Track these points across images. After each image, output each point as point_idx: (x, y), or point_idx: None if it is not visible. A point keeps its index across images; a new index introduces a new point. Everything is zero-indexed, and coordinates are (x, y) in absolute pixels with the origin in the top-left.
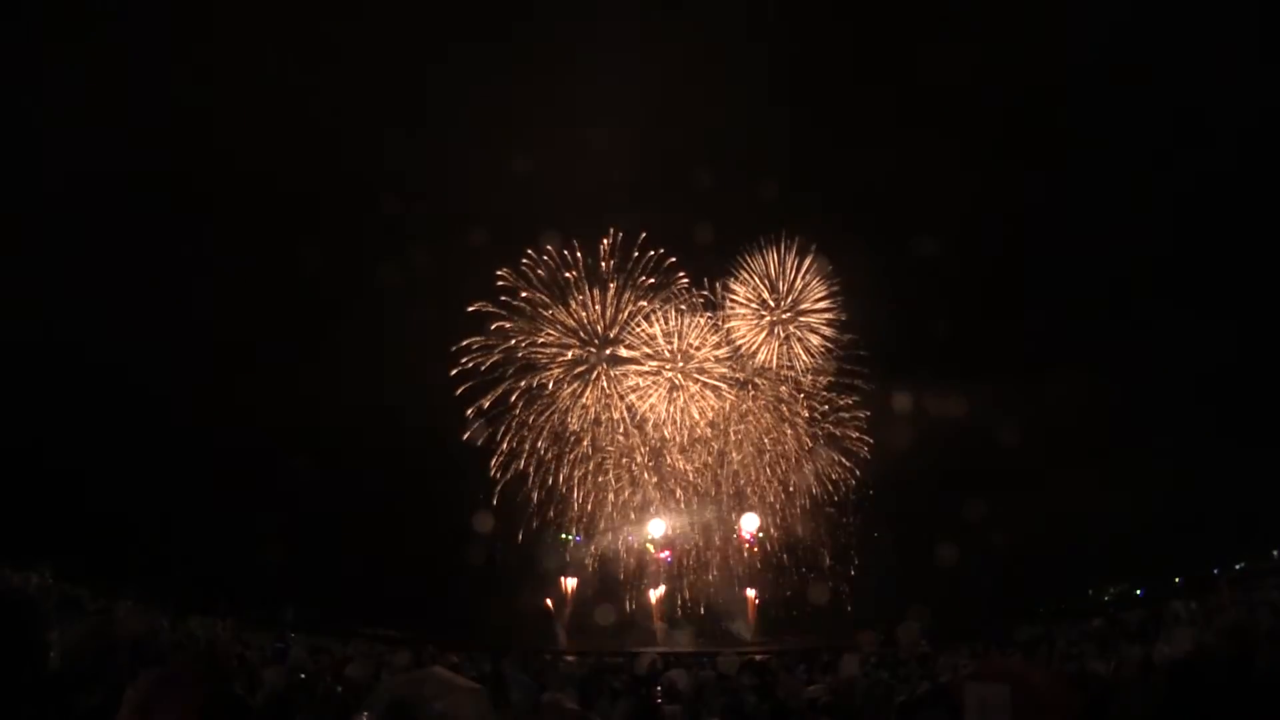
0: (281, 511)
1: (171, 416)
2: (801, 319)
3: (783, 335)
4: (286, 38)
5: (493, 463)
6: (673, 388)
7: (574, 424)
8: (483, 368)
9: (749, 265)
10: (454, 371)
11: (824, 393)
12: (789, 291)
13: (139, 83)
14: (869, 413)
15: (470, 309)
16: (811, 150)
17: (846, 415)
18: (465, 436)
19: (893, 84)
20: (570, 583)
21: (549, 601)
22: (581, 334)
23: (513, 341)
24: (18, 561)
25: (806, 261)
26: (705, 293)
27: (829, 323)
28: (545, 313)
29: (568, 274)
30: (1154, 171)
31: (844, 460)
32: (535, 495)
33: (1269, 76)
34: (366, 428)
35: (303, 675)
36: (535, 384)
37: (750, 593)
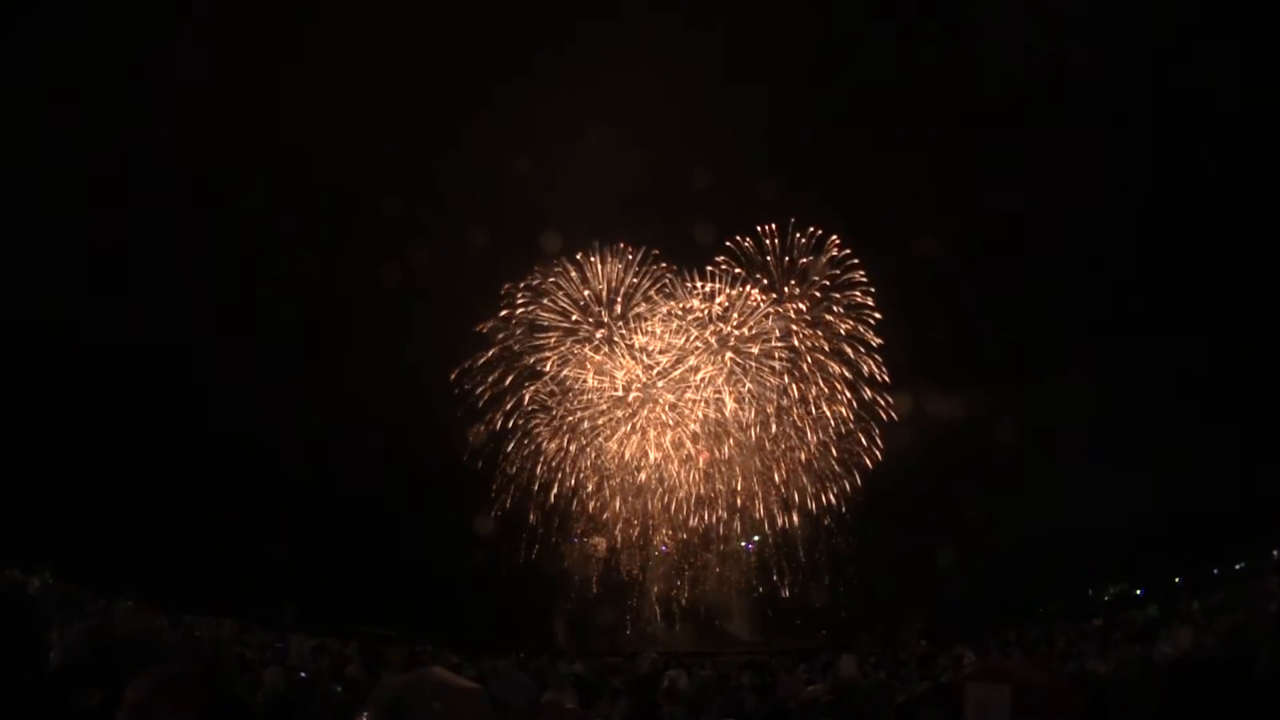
0: (281, 511)
1: (172, 417)
2: (817, 327)
3: (793, 345)
4: (295, 43)
5: (498, 472)
6: (675, 401)
7: (576, 440)
8: (484, 387)
9: (759, 270)
10: (457, 392)
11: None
12: (803, 296)
13: (142, 87)
14: (869, 422)
15: (478, 329)
16: (813, 153)
17: (850, 426)
18: (470, 444)
19: (892, 87)
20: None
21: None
22: (589, 342)
23: (520, 358)
24: (18, 561)
25: (820, 265)
26: (718, 300)
27: (847, 334)
28: (549, 333)
29: (580, 293)
30: (1153, 174)
31: (844, 466)
32: (539, 499)
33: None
34: (369, 429)
35: (303, 675)
36: (538, 397)
37: (747, 545)
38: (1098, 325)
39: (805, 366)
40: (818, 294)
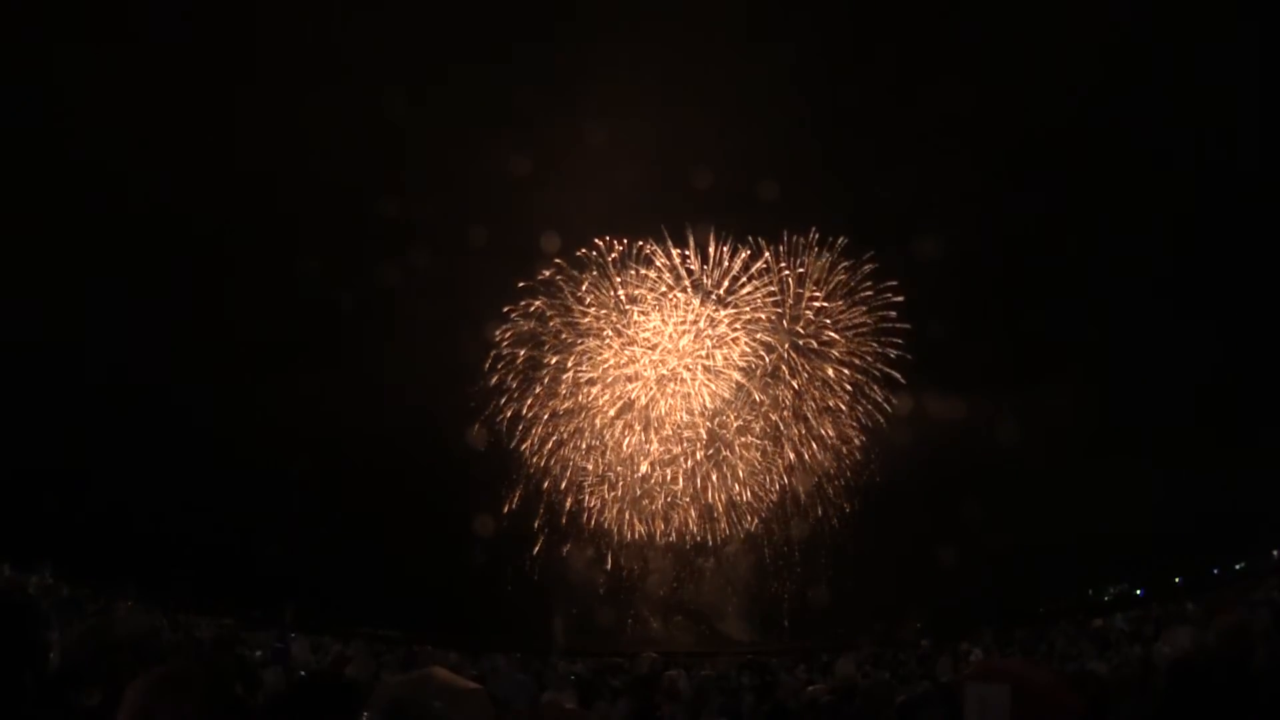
0: (282, 511)
1: (173, 418)
2: (819, 329)
3: (794, 347)
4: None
5: (500, 475)
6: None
7: (585, 436)
8: (489, 391)
9: (769, 282)
10: (462, 395)
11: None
12: (807, 298)
13: (141, 88)
14: (865, 417)
15: (488, 336)
16: (816, 155)
17: (845, 415)
18: (472, 446)
19: (895, 90)
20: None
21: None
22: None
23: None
24: (18, 561)
25: (820, 266)
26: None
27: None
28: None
29: (588, 299)
30: (1150, 177)
31: (842, 462)
32: (542, 503)
33: (1262, 85)
34: (371, 429)
35: (303, 675)
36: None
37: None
38: (1098, 325)
39: (812, 391)
40: (828, 319)
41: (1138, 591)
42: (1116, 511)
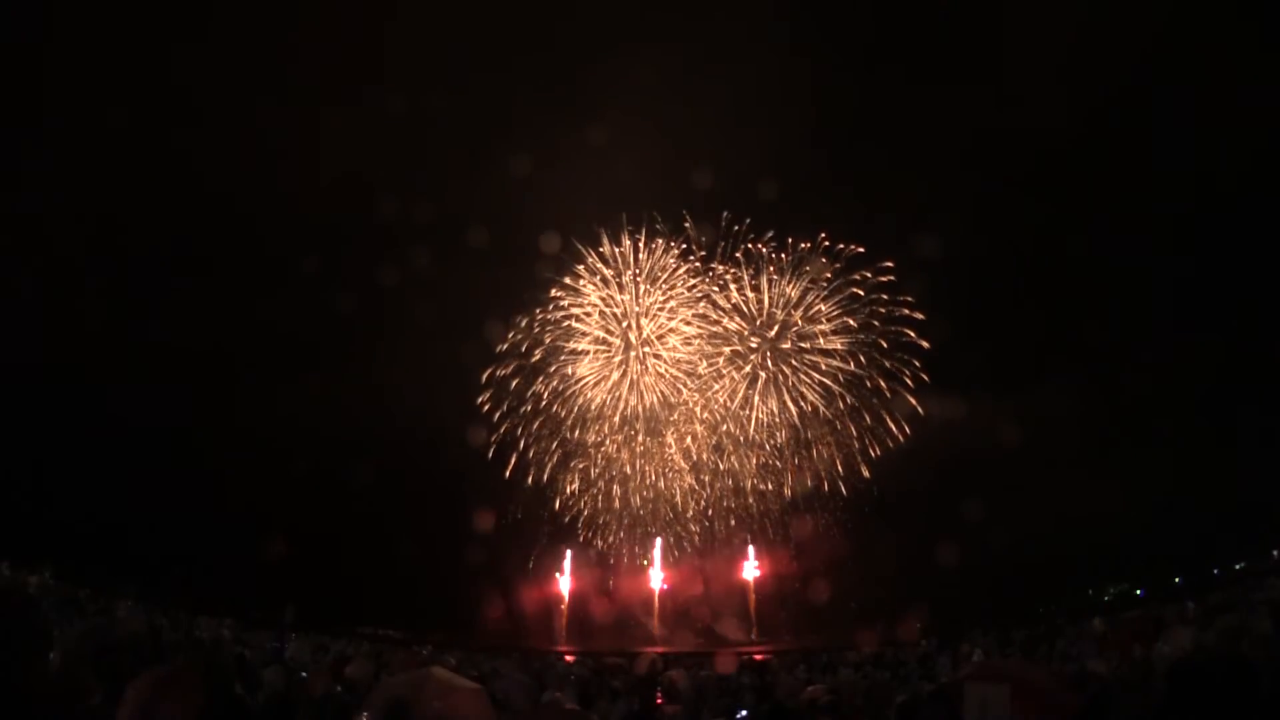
0: (283, 511)
1: (173, 419)
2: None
3: (800, 361)
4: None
5: (503, 476)
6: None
7: (590, 436)
8: (495, 394)
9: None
10: (466, 397)
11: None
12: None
13: (141, 92)
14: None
15: (497, 341)
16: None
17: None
18: (474, 447)
19: (900, 94)
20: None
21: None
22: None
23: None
24: (18, 561)
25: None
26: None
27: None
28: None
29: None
30: (1148, 179)
31: (843, 462)
32: (545, 505)
33: (1264, 88)
34: (372, 430)
35: (303, 675)
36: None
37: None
38: (1099, 326)
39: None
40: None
41: (1138, 591)
42: (1116, 511)
